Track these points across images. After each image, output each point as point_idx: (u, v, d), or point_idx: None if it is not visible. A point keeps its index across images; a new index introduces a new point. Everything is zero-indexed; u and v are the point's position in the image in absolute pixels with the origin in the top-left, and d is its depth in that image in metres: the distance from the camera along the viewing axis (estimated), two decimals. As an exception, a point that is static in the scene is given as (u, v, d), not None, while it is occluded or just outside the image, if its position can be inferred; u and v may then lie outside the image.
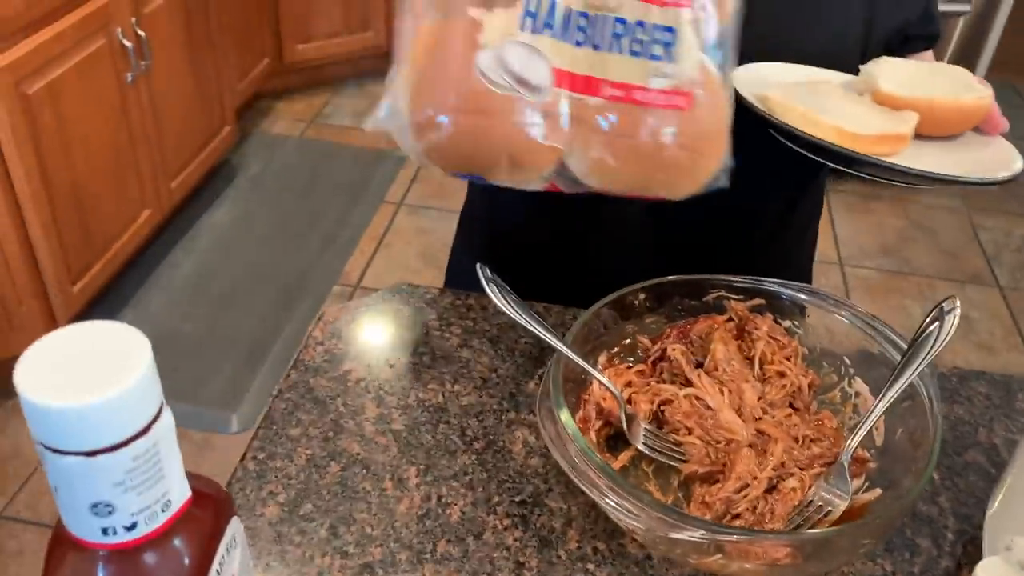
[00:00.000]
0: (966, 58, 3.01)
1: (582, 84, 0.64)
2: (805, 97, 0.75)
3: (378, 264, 2.58)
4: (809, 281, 1.08)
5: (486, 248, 1.03)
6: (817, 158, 0.74)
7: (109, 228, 2.22)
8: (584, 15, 0.63)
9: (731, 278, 0.77)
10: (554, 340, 0.68)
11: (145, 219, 2.38)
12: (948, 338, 0.67)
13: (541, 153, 0.66)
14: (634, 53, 0.64)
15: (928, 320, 0.68)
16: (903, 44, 0.90)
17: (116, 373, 0.34)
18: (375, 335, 0.82)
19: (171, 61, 2.39)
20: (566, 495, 0.69)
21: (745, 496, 0.66)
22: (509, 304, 0.69)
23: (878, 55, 0.83)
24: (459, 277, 1.07)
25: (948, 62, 3.07)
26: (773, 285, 0.76)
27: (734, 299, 0.77)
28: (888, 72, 0.78)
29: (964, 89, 0.78)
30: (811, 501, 0.65)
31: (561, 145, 0.66)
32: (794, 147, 0.74)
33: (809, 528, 0.64)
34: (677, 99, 0.64)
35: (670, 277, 0.77)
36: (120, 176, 2.23)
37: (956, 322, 0.67)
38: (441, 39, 0.65)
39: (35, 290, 1.99)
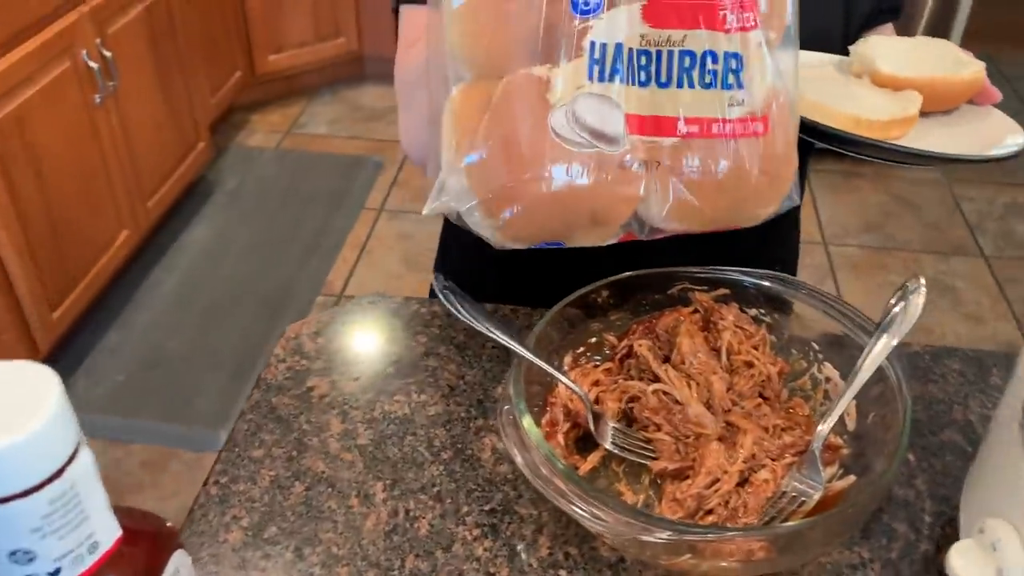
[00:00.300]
0: (939, 31, 3.00)
1: (652, 125, 0.61)
2: (807, 85, 0.74)
3: (361, 272, 2.56)
4: (796, 265, 1.08)
5: (461, 259, 1.02)
6: (831, 146, 0.73)
7: (86, 252, 2.20)
8: (645, 53, 0.60)
9: (694, 269, 0.76)
10: (515, 344, 0.67)
11: (123, 240, 2.36)
12: (914, 319, 0.66)
13: (621, 205, 0.63)
14: (706, 85, 0.61)
15: (893, 301, 0.67)
16: (873, 20, 0.90)
17: (24, 415, 0.33)
18: (339, 349, 0.81)
19: (139, 80, 2.37)
20: (536, 501, 0.67)
21: (716, 491, 0.65)
22: (464, 311, 0.68)
23: (857, 34, 0.84)
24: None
25: (921, 35, 3.07)
26: (736, 274, 0.75)
27: (698, 290, 0.76)
28: (882, 52, 0.78)
29: (956, 63, 0.78)
30: (784, 492, 0.64)
31: (639, 192, 0.62)
32: (808, 138, 0.73)
33: (783, 520, 0.63)
34: (755, 125, 0.62)
35: (632, 272, 0.76)
36: (94, 199, 2.21)
37: (921, 301, 0.66)
38: (502, 103, 0.61)
39: (13, 320, 1.97)
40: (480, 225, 0.64)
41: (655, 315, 0.77)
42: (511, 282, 0.91)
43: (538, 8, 0.60)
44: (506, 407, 0.64)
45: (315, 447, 0.71)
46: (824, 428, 0.64)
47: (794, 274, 1.08)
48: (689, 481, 0.66)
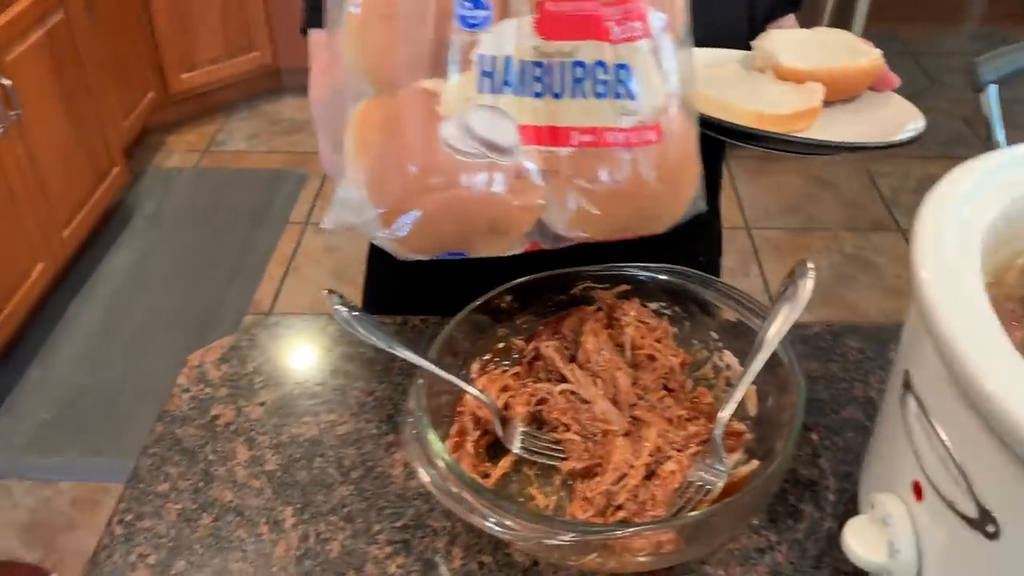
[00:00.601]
0: (845, 10, 3.08)
1: (548, 136, 0.62)
2: (712, 84, 0.75)
3: (290, 287, 2.53)
4: (720, 254, 1.09)
5: (389, 271, 1.02)
6: (740, 144, 0.74)
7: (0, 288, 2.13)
8: (538, 64, 0.61)
9: (594, 268, 0.76)
10: (415, 357, 0.67)
11: (39, 273, 2.29)
12: (805, 302, 0.67)
13: (520, 214, 0.63)
14: (598, 95, 0.61)
15: (783, 286, 0.68)
16: (776, 11, 0.92)
17: None
18: (243, 374, 0.79)
19: (44, 107, 2.30)
20: (449, 512, 0.67)
21: (624, 486, 0.65)
22: (361, 327, 0.67)
23: (761, 26, 0.85)
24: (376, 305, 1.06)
25: (828, 15, 3.13)
26: (634, 270, 0.76)
27: (600, 288, 0.77)
28: (783, 46, 0.80)
29: (853, 52, 0.80)
30: (691, 482, 0.65)
31: (538, 202, 0.63)
32: (716, 135, 0.74)
33: (692, 510, 0.63)
34: (648, 133, 0.63)
35: (533, 275, 0.76)
36: (4, 232, 2.14)
37: (810, 285, 0.68)
38: (394, 117, 0.62)
39: (-76, 364, 1.89)
40: (380, 237, 0.64)
41: (560, 315, 0.77)
42: (440, 292, 0.90)
43: (427, 22, 0.60)
44: (409, 423, 0.63)
45: (222, 477, 0.70)
46: (724, 415, 0.65)
47: (719, 262, 1.10)
48: (598, 479, 0.66)
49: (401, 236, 0.63)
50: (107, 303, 2.47)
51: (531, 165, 0.62)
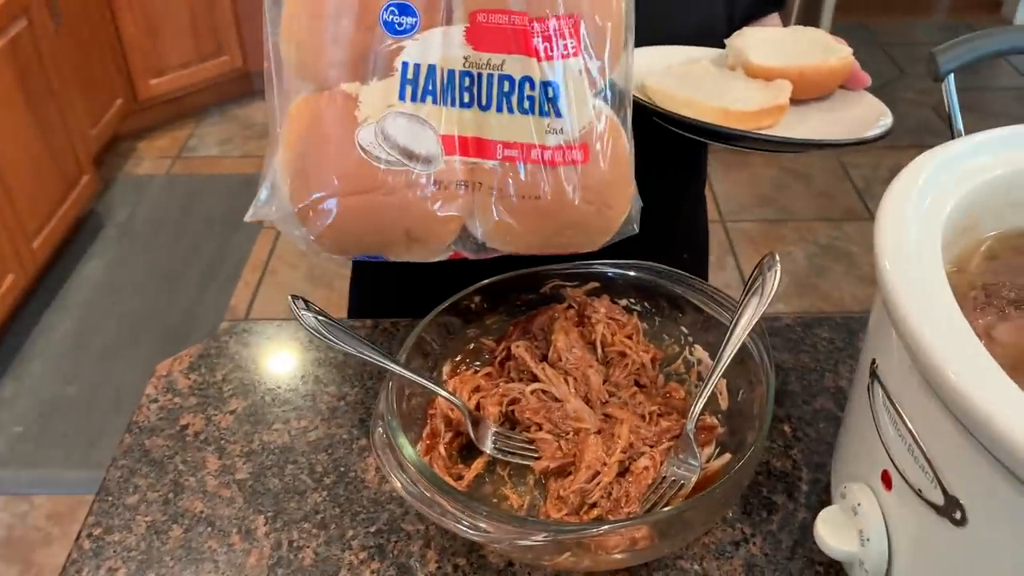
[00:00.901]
0: (814, 4, 3.10)
1: (475, 147, 0.61)
2: (681, 81, 0.75)
3: (265, 293, 2.51)
4: (707, 250, 1.10)
5: (374, 275, 1.01)
6: (707, 141, 0.74)
7: (-32, 301, 2.10)
8: (468, 75, 0.60)
9: (563, 266, 0.76)
10: (384, 360, 0.66)
11: (9, 285, 2.26)
12: (772, 294, 0.67)
13: (440, 224, 0.63)
14: (524, 111, 0.61)
15: (751, 279, 0.68)
16: (757, 10, 0.92)
17: None
18: (212, 383, 0.78)
19: (9, 117, 2.27)
20: (423, 516, 0.66)
21: (598, 484, 0.65)
22: (329, 333, 0.66)
23: (742, 25, 0.85)
24: (360, 309, 1.06)
25: (797, 11, 3.14)
26: (603, 267, 0.76)
27: (570, 286, 0.77)
28: (754, 44, 0.80)
29: (826, 51, 0.80)
30: (664, 478, 0.65)
31: (459, 213, 0.62)
32: (683, 133, 0.74)
33: (665, 505, 0.63)
34: (574, 153, 0.62)
35: (502, 275, 0.76)
36: (-29, 245, 2.11)
37: (778, 278, 0.68)
38: (316, 117, 0.61)
39: None
40: (295, 235, 0.64)
41: (530, 315, 0.77)
42: (426, 293, 0.90)
43: (353, 25, 0.59)
44: (379, 427, 0.63)
45: (192, 487, 0.69)
46: (695, 410, 0.65)
47: (706, 258, 1.10)
48: (571, 477, 0.66)
49: (315, 236, 0.63)
50: (80, 314, 2.44)
51: (455, 176, 0.61)
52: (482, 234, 0.64)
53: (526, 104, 0.60)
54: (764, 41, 0.81)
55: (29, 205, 2.34)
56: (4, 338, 2.31)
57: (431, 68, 0.59)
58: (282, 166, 0.63)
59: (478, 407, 0.71)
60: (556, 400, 0.70)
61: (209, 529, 0.66)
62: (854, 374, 0.77)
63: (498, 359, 0.75)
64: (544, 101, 0.60)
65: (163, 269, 2.60)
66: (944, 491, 0.46)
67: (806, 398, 0.76)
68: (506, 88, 0.60)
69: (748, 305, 0.67)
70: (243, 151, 3.15)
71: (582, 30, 0.61)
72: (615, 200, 0.65)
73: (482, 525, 0.57)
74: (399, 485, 0.59)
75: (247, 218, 0.64)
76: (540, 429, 0.69)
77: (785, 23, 0.95)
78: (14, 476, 1.99)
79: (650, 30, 0.80)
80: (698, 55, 0.83)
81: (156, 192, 2.95)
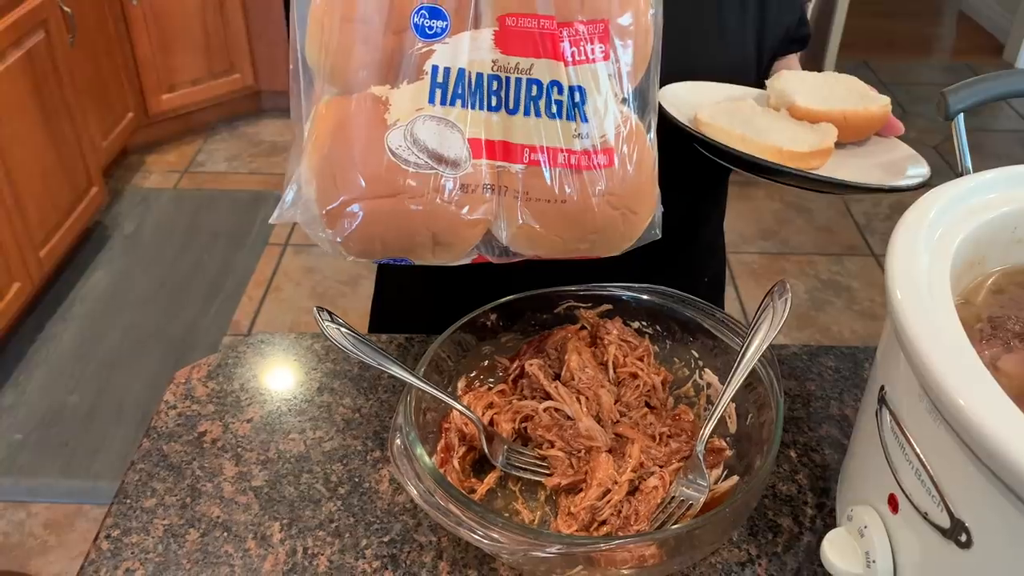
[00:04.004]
0: (819, 43, 3.15)
1: (501, 151, 0.61)
2: (734, 118, 0.78)
3: (269, 309, 2.52)
4: (724, 273, 1.12)
5: (397, 290, 1.03)
6: (753, 174, 0.76)
7: (-26, 308, 2.11)
8: (496, 79, 0.61)
9: (576, 288, 0.78)
10: (404, 373, 0.68)
11: (15, 293, 2.27)
12: (782, 322, 0.69)
13: (466, 228, 0.63)
14: (551, 115, 0.61)
15: (761, 307, 0.70)
16: (782, 49, 0.94)
17: None
18: (230, 391, 0.80)
19: (23, 127, 2.30)
20: (435, 527, 0.68)
21: (608, 502, 0.66)
22: (350, 344, 0.68)
23: (769, 63, 0.89)
24: (382, 322, 1.07)
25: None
26: (617, 289, 0.78)
27: (583, 308, 0.79)
28: (796, 87, 0.82)
29: (863, 97, 0.83)
30: (673, 497, 0.66)
31: (485, 216, 0.62)
32: (733, 167, 0.77)
33: (673, 524, 0.65)
34: (600, 158, 0.62)
35: (518, 295, 0.77)
36: (-20, 252, 2.12)
37: (788, 306, 0.70)
38: (344, 120, 0.61)
39: None
40: (322, 237, 0.64)
41: (544, 334, 0.79)
42: (448, 307, 0.91)
43: (384, 28, 0.60)
44: (398, 438, 0.64)
45: (209, 492, 0.70)
46: (705, 432, 0.67)
47: (723, 282, 1.12)
48: (582, 494, 0.67)
49: (342, 239, 0.63)
50: (83, 324, 2.45)
51: (482, 179, 0.62)
52: (507, 238, 0.64)
53: (553, 108, 0.61)
54: (805, 84, 0.84)
55: (38, 214, 2.36)
56: (8, 346, 2.32)
57: (460, 72, 0.60)
58: (308, 169, 0.63)
59: (491, 423, 0.73)
60: (568, 418, 0.72)
61: (225, 534, 0.67)
62: (861, 401, 0.79)
63: (512, 376, 0.77)
64: (571, 106, 0.61)
65: (168, 282, 2.62)
66: (950, 514, 0.48)
67: (812, 425, 0.78)
68: (534, 92, 0.61)
69: (758, 331, 0.68)
70: (251, 168, 3.18)
71: (610, 35, 0.62)
72: (639, 205, 0.66)
73: (496, 536, 0.58)
74: (416, 494, 0.61)
75: (272, 220, 0.65)
76: (552, 446, 0.71)
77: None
78: (13, 484, 1.99)
79: (687, 67, 0.83)
80: (739, 93, 0.85)
81: (163, 205, 2.97)
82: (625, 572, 0.62)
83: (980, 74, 1.15)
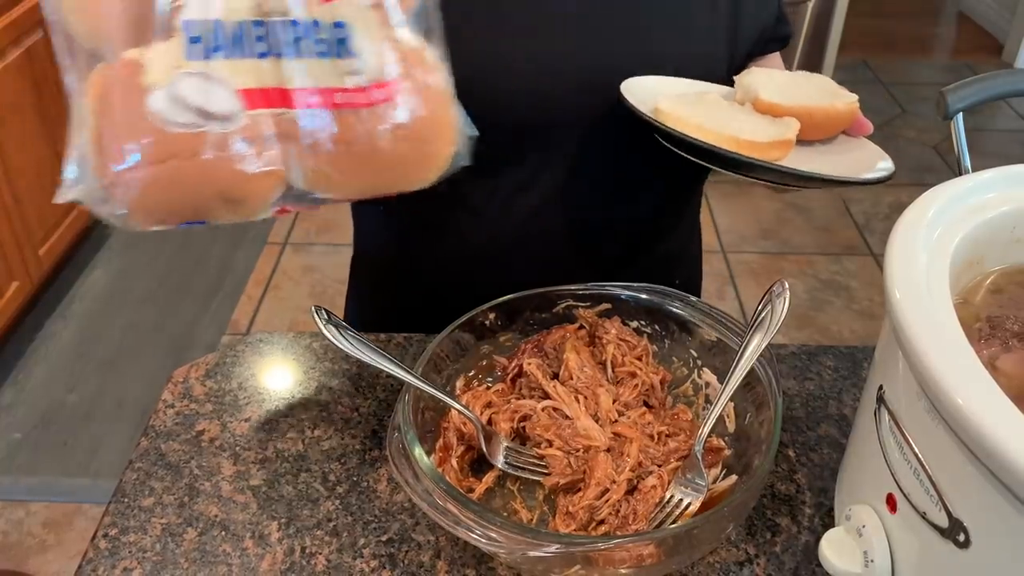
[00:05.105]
0: (818, 42, 3.15)
1: (277, 98, 0.58)
2: (695, 108, 0.77)
3: (268, 308, 2.52)
4: (699, 275, 1.11)
5: (371, 289, 1.02)
6: (713, 166, 0.76)
7: (-27, 306, 2.11)
8: (260, 23, 0.57)
9: (575, 287, 0.78)
10: (402, 372, 0.68)
11: (14, 292, 2.27)
12: (780, 321, 0.69)
13: (255, 182, 0.60)
14: (321, 54, 0.58)
15: (760, 306, 0.70)
16: (760, 48, 0.94)
17: None
18: (228, 390, 0.80)
19: (21, 125, 2.30)
20: (433, 527, 0.68)
21: (607, 501, 0.66)
22: (349, 343, 0.68)
23: (743, 62, 0.88)
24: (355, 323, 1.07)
25: (801, 47, 3.19)
26: (616, 288, 0.78)
27: (582, 307, 0.79)
28: (764, 83, 0.82)
29: (832, 96, 0.82)
30: (671, 496, 0.66)
31: (274, 167, 0.60)
32: (691, 157, 0.76)
33: (671, 523, 0.65)
34: (377, 92, 0.59)
35: (516, 294, 0.77)
36: (-21, 250, 2.12)
37: (786, 305, 0.70)
38: (106, 88, 0.58)
39: None
40: (104, 212, 0.61)
41: (543, 333, 0.79)
42: (421, 310, 0.91)
43: None
44: (396, 437, 0.64)
45: (207, 491, 0.70)
46: (703, 431, 0.67)
47: (699, 284, 1.11)
48: (580, 493, 0.67)
49: (124, 211, 0.60)
50: (82, 322, 2.45)
51: (260, 130, 0.59)
52: (304, 184, 0.61)
53: (320, 48, 0.58)
54: (773, 80, 0.83)
55: (37, 213, 2.36)
56: (7, 344, 2.32)
57: (217, 23, 0.57)
58: (87, 141, 0.59)
59: (490, 422, 0.73)
60: (566, 418, 0.72)
61: (223, 533, 0.67)
62: (859, 401, 0.79)
63: (510, 376, 0.77)
64: (336, 42, 0.58)
65: (167, 281, 2.62)
66: (949, 513, 0.48)
67: (810, 424, 0.78)
68: (298, 32, 0.58)
69: (757, 331, 0.69)
70: (250, 167, 3.17)
71: None
72: (434, 136, 0.63)
73: (494, 535, 0.58)
74: (414, 494, 0.61)
75: (56, 199, 0.61)
76: (550, 446, 0.71)
77: (790, 59, 0.97)
78: (11, 482, 1.99)
79: (653, 63, 0.82)
80: (707, 89, 0.85)
81: (162, 204, 2.97)
82: (623, 571, 0.62)
83: (979, 74, 1.15)
